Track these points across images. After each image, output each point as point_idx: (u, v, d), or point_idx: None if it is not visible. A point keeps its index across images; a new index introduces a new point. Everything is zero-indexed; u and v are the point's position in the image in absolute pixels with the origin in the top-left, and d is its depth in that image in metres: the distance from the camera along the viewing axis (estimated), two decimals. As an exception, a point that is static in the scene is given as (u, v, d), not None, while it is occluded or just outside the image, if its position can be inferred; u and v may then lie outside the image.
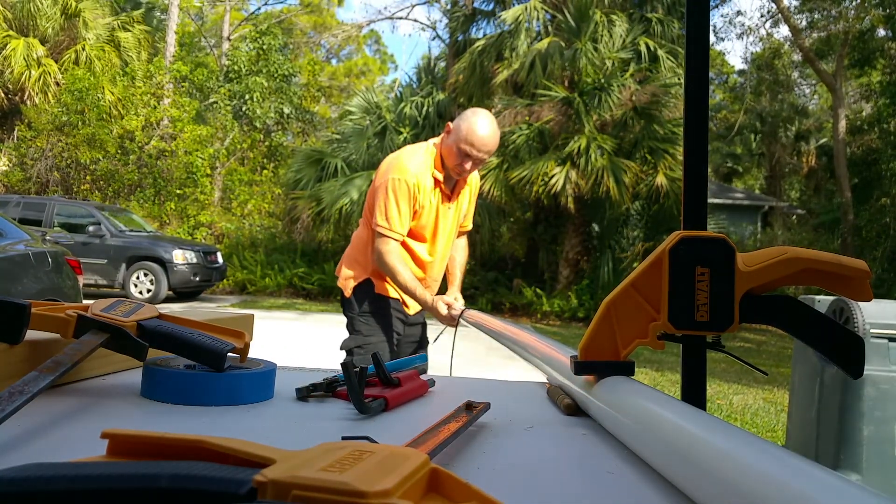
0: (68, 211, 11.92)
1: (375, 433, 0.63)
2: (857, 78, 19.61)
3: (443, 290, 2.59)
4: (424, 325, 2.70)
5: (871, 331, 2.75)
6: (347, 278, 2.50)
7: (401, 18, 28.63)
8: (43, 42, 17.29)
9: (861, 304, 2.74)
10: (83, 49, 17.29)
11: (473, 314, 2.08)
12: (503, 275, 14.96)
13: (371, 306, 2.46)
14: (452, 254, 2.69)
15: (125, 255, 11.47)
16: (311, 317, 11.31)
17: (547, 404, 0.87)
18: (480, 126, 2.32)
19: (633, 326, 0.72)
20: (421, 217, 2.41)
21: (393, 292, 2.48)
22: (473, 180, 2.63)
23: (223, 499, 0.28)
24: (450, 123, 2.41)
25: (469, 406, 0.69)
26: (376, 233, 2.35)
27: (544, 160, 12.32)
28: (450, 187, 2.48)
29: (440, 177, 2.40)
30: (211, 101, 18.73)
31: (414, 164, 2.36)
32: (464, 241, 2.76)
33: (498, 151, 12.98)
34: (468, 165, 2.36)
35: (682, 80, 0.87)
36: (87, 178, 16.16)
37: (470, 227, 2.76)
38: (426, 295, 2.40)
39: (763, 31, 21.85)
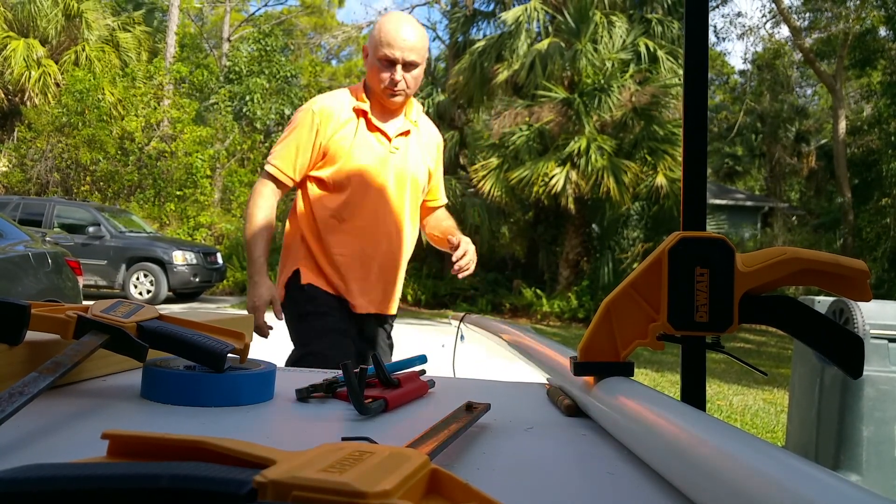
0: (68, 212, 11.92)
1: (375, 434, 0.63)
2: (858, 78, 19.61)
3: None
4: (385, 325, 2.13)
5: (871, 331, 2.75)
6: (280, 275, 2.07)
7: (401, 19, 28.56)
8: (43, 43, 17.30)
9: (861, 304, 2.75)
10: (83, 50, 17.30)
11: (473, 318, 2.08)
12: (503, 275, 14.96)
13: (306, 305, 1.97)
14: (440, 223, 2.20)
15: (125, 256, 11.47)
16: (311, 318, 11.28)
17: (547, 405, 0.87)
18: (394, 21, 1.94)
19: (633, 327, 0.72)
20: (338, 155, 1.92)
21: (335, 280, 1.97)
22: (431, 133, 2.15)
23: (223, 499, 0.28)
24: (365, 46, 2.01)
25: (469, 407, 0.69)
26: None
27: (544, 161, 12.33)
28: (385, 122, 2.00)
29: (364, 106, 1.96)
30: (211, 101, 18.74)
31: (324, 95, 2.01)
32: (443, 211, 2.28)
33: (498, 151, 13.05)
34: (398, 76, 1.92)
35: (682, 81, 0.88)
36: (87, 179, 16.16)
37: (442, 201, 2.26)
38: (260, 262, 1.92)
39: (764, 32, 21.87)
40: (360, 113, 1.97)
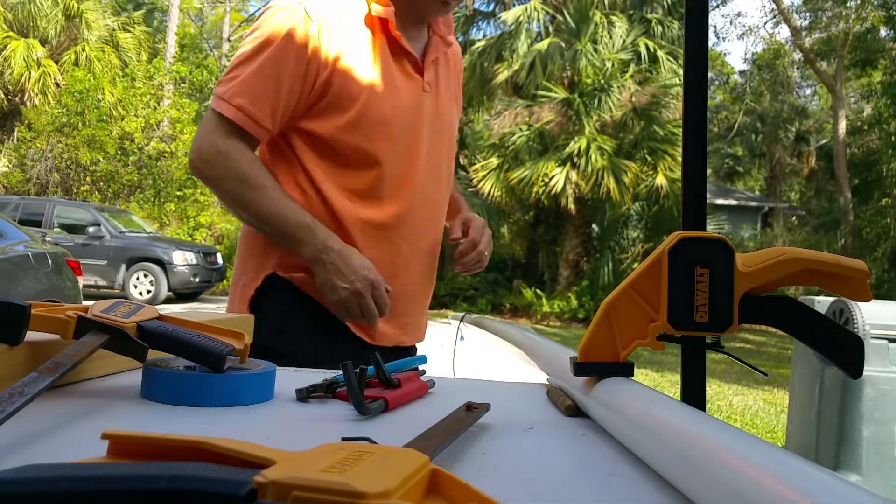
0: (68, 212, 11.93)
1: (375, 434, 0.63)
2: (858, 78, 19.63)
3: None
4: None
5: (871, 331, 2.76)
6: (239, 285, 1.27)
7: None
8: (43, 43, 17.31)
9: (861, 304, 2.75)
10: (83, 50, 17.31)
11: (473, 318, 2.09)
12: (503, 276, 14.97)
13: (284, 318, 1.22)
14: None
15: (125, 256, 11.48)
16: (311, 318, 11.28)
17: (547, 405, 0.87)
18: None
19: (633, 327, 0.72)
20: (349, 94, 1.14)
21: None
22: (459, 57, 1.43)
23: (223, 500, 0.28)
24: None
25: (469, 407, 0.69)
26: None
27: (544, 161, 12.34)
28: (413, 42, 1.25)
29: (383, 10, 1.17)
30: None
31: None
32: None
33: (498, 152, 13.04)
34: None
35: (682, 81, 0.88)
36: (87, 179, 16.17)
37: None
38: (320, 224, 1.15)
39: (764, 32, 21.90)
40: (378, 24, 1.19)
